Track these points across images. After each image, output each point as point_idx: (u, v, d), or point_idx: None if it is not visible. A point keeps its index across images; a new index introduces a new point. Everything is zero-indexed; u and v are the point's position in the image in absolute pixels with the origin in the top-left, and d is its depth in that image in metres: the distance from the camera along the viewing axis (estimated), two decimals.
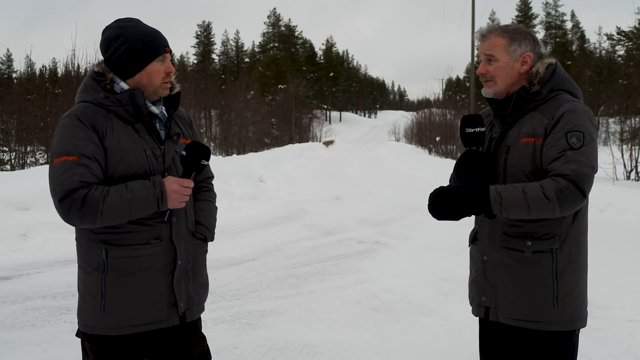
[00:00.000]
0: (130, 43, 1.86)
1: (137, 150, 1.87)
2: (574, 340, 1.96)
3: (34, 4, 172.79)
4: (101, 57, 1.95)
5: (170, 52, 1.96)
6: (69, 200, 1.74)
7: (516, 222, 1.93)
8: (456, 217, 1.88)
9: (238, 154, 29.42)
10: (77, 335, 1.94)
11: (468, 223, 2.18)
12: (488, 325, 2.10)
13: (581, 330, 1.99)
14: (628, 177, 15.81)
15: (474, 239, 2.16)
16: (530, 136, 1.91)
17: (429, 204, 1.93)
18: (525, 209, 1.80)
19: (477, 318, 2.15)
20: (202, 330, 2.13)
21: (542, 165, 1.88)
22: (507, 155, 1.95)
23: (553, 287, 1.90)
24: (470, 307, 2.15)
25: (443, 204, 1.89)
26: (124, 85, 1.90)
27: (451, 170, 2.19)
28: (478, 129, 1.97)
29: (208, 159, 1.94)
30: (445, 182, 2.29)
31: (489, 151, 2.02)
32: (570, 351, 1.94)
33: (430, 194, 1.93)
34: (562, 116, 1.87)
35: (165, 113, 1.99)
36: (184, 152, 1.92)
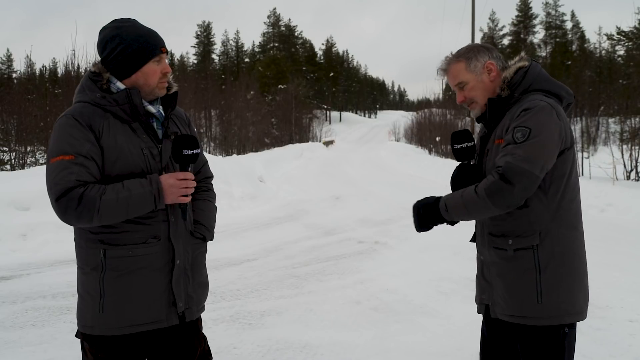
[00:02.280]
0: (127, 44, 1.87)
1: (134, 150, 1.86)
2: (567, 335, 1.95)
3: (37, 3, 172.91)
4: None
5: (167, 52, 1.97)
6: (65, 199, 1.74)
7: (497, 222, 2.01)
8: (426, 228, 2.07)
9: (238, 154, 29.42)
10: (76, 336, 1.94)
11: (469, 223, 2.18)
12: (490, 322, 2.16)
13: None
14: (628, 177, 15.79)
15: (473, 239, 2.24)
16: (500, 138, 1.99)
17: (414, 220, 2.10)
18: (465, 211, 1.93)
19: (480, 316, 2.21)
20: (202, 331, 2.12)
21: None
22: (486, 159, 2.05)
23: (535, 282, 1.93)
24: (471, 303, 2.25)
25: (415, 220, 2.07)
26: (120, 85, 1.90)
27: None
28: (465, 145, 2.09)
29: (193, 148, 1.91)
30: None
31: (479, 160, 2.13)
32: (559, 346, 1.94)
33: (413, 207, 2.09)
34: (519, 115, 1.91)
35: (162, 112, 1.99)
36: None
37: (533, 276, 1.94)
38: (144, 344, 1.92)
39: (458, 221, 2.02)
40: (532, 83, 2.00)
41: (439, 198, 2.02)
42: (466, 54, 2.09)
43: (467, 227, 2.26)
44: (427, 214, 2.02)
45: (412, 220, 2.09)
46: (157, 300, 1.89)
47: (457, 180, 2.08)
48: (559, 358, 1.95)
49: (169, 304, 1.92)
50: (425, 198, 2.06)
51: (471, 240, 2.25)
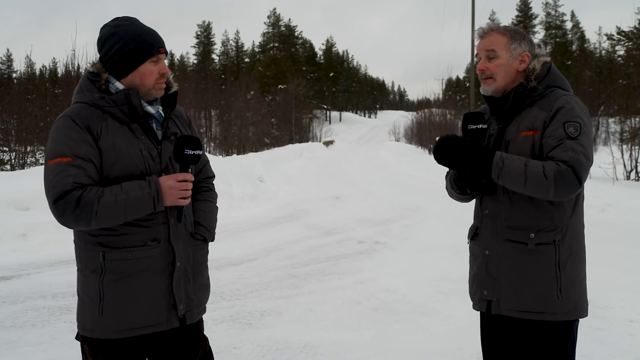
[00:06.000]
0: (123, 42, 1.85)
1: (132, 151, 1.85)
2: (574, 330, 2.02)
3: (43, 1, 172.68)
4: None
5: (166, 52, 1.94)
6: (63, 202, 1.73)
7: (518, 214, 1.99)
8: (456, 166, 1.98)
9: (238, 154, 29.42)
10: (76, 338, 1.93)
11: (468, 222, 2.18)
12: (489, 318, 2.14)
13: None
14: (628, 177, 15.80)
15: (474, 234, 2.19)
16: (529, 130, 1.97)
17: (435, 146, 1.99)
18: (522, 182, 1.86)
19: (478, 314, 2.20)
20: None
21: (541, 156, 1.94)
22: (506, 150, 2.00)
23: (556, 278, 1.96)
24: (471, 303, 2.19)
25: (448, 150, 1.96)
26: (119, 86, 1.88)
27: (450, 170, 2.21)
28: (480, 126, 2.01)
29: (195, 149, 1.89)
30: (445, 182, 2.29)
31: (488, 147, 2.06)
32: (570, 341, 2.01)
33: (440, 138, 2.00)
34: (561, 108, 1.94)
35: (162, 113, 1.97)
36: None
37: (553, 271, 1.96)
38: (145, 346, 1.91)
39: (487, 182, 1.99)
40: (554, 79, 2.04)
41: (493, 150, 1.94)
42: (513, 34, 2.06)
43: (467, 227, 2.25)
44: (471, 157, 1.92)
45: (438, 149, 1.96)
46: (157, 303, 1.88)
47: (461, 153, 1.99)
48: (569, 351, 2.00)
49: (169, 306, 1.90)
50: (472, 140, 1.95)
51: (472, 238, 2.19)
